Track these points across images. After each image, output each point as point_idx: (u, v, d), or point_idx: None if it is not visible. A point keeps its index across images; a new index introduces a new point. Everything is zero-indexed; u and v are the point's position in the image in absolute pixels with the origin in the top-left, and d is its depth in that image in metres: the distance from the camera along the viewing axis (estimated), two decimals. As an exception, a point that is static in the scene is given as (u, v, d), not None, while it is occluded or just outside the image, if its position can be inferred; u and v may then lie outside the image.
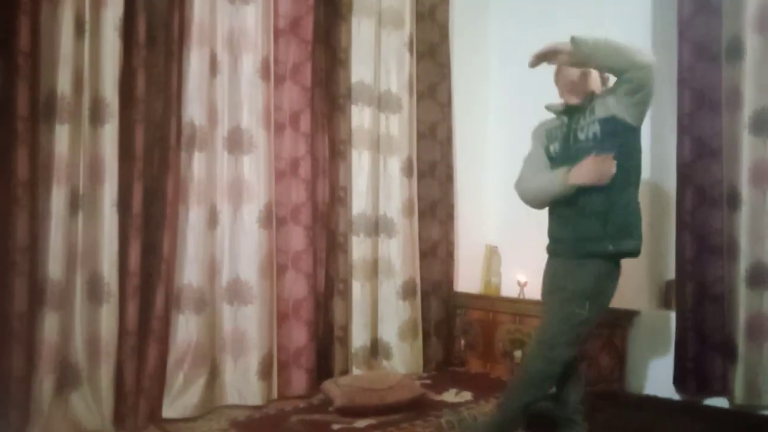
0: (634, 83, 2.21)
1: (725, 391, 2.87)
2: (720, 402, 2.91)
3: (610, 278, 2.33)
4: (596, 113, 2.31)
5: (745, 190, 2.82)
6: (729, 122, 2.89)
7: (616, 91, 2.28)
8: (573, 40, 2.18)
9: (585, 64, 2.27)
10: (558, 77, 2.46)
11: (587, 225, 2.30)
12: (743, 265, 2.82)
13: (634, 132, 2.32)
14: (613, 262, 2.32)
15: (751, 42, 2.80)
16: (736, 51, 2.86)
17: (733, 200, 2.86)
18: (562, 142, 2.41)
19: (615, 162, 2.24)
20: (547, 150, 2.49)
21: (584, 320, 2.27)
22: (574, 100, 2.40)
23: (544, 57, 2.28)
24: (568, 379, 2.41)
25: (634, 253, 2.35)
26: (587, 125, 2.33)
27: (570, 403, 2.43)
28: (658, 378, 3.10)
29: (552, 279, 2.45)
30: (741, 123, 2.84)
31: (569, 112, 2.42)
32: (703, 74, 2.95)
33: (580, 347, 2.36)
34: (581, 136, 2.34)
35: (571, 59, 2.23)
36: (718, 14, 2.92)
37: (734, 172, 2.86)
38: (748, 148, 2.82)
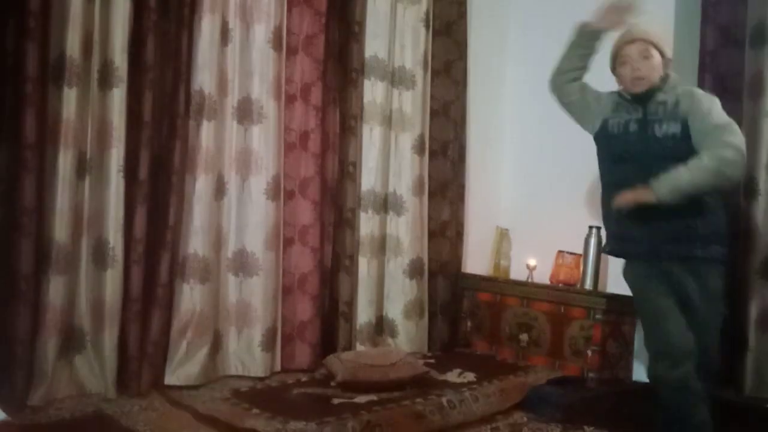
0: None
1: (734, 381, 2.83)
2: (728, 393, 2.87)
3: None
4: (680, 109, 2.20)
5: (763, 179, 2.77)
6: (750, 110, 2.83)
7: (707, 124, 2.17)
8: (657, 195, 2.12)
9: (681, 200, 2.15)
10: (616, 65, 2.33)
11: (680, 225, 2.21)
12: (758, 256, 2.77)
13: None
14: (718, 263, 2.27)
15: (776, 26, 2.72)
16: (760, 36, 2.78)
17: (750, 189, 2.80)
18: (639, 127, 2.27)
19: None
20: (605, 120, 2.35)
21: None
22: (640, 89, 2.27)
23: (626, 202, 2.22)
24: None
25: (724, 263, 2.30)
26: (668, 121, 2.22)
27: None
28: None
29: (644, 284, 2.33)
30: (762, 111, 2.77)
31: (641, 98, 2.28)
32: (725, 59, 2.89)
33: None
34: (663, 128, 2.22)
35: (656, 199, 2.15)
36: (744, -3, 2.85)
37: (753, 160, 2.79)
38: (767, 137, 2.75)
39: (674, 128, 2.20)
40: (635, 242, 2.30)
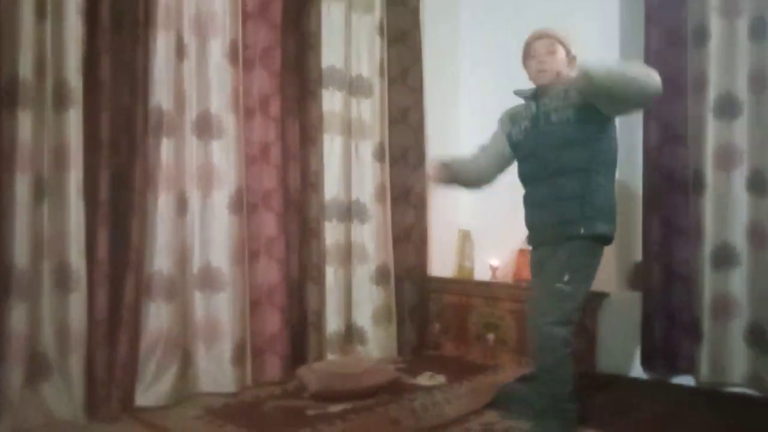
0: (634, 104, 2.27)
1: (691, 369, 2.95)
2: (686, 380, 2.99)
3: (587, 255, 2.32)
4: (570, 99, 2.32)
5: (710, 173, 2.89)
6: (694, 106, 2.95)
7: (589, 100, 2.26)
8: (587, 71, 2.11)
9: (591, 89, 2.17)
10: (526, 59, 2.48)
11: (564, 208, 2.31)
12: (708, 247, 2.89)
13: (608, 120, 2.34)
14: (589, 240, 2.31)
15: (715, 26, 2.85)
16: (701, 35, 2.91)
17: (698, 183, 2.92)
18: (531, 123, 2.42)
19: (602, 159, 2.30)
20: (509, 136, 2.51)
21: (567, 295, 2.26)
22: (543, 81, 2.41)
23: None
24: None
25: (608, 238, 2.36)
26: (562, 108, 2.33)
27: None
28: (627, 358, 3.17)
29: (534, 267, 2.48)
30: (706, 106, 2.89)
31: (537, 96, 2.44)
32: (670, 59, 3.00)
33: (573, 325, 2.32)
34: (554, 118, 2.35)
35: (580, 85, 2.19)
36: (684, -1, 2.97)
37: (699, 155, 2.92)
38: (712, 132, 2.88)
39: (566, 113, 2.32)
40: (538, 230, 2.45)
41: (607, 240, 2.37)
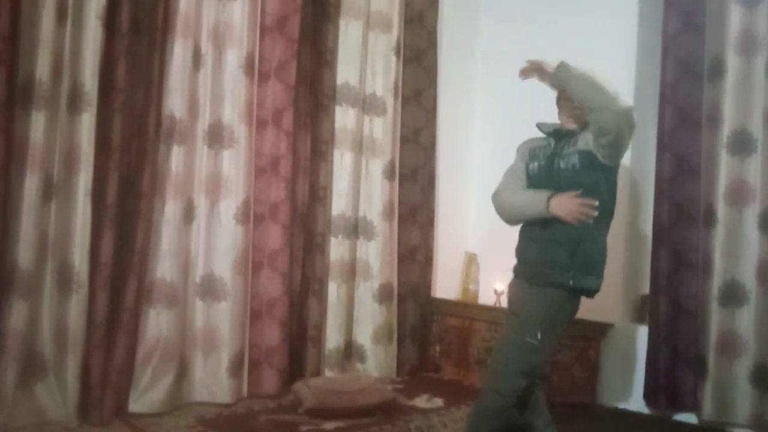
0: (600, 125, 2.21)
1: (695, 406, 2.90)
2: (689, 417, 2.93)
3: (565, 308, 2.29)
4: (578, 145, 2.31)
5: (721, 209, 2.86)
6: (708, 140, 2.93)
7: (590, 129, 2.29)
8: (559, 63, 2.24)
9: (559, 88, 2.32)
10: (560, 100, 2.42)
11: (554, 252, 2.26)
12: (716, 283, 2.85)
13: (608, 170, 2.31)
14: (571, 293, 2.28)
15: (732, 62, 2.84)
16: (717, 70, 2.90)
17: (708, 218, 2.89)
18: (546, 163, 2.38)
19: (596, 209, 2.23)
20: (526, 168, 2.47)
21: (534, 350, 2.23)
22: (570, 126, 2.37)
23: (530, 71, 2.35)
24: (529, 408, 2.36)
25: (592, 292, 2.32)
26: (569, 155, 2.32)
27: (537, 429, 2.38)
28: (629, 391, 3.12)
29: (511, 301, 2.44)
30: (720, 142, 2.87)
31: (558, 135, 2.40)
32: (685, 92, 2.99)
33: (535, 375, 2.31)
34: (562, 164, 2.33)
35: (550, 80, 2.28)
36: (702, 33, 2.97)
37: (711, 190, 2.89)
38: (725, 167, 2.86)
39: (573, 159, 2.30)
40: (524, 264, 2.39)
41: (590, 293, 2.33)
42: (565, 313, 2.30)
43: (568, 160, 2.32)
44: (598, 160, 2.27)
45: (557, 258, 2.25)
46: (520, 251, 2.42)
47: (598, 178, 2.28)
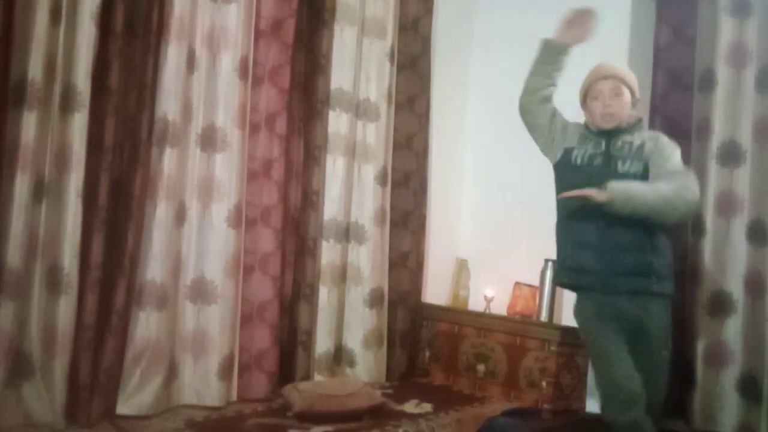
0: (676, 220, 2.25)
1: (682, 415, 2.91)
2: (677, 426, 2.95)
3: (668, 314, 2.32)
4: (645, 151, 2.26)
5: (710, 219, 2.88)
6: (698, 152, 2.96)
7: (665, 158, 2.26)
8: (611, 201, 2.13)
9: (624, 212, 2.17)
10: (587, 98, 2.37)
11: (629, 258, 2.22)
12: (705, 293, 2.87)
13: None
14: (664, 297, 2.30)
15: (722, 73, 2.87)
16: (708, 82, 2.93)
17: (698, 228, 2.92)
18: (603, 160, 2.30)
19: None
20: (568, 150, 2.36)
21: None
22: (609, 125, 2.31)
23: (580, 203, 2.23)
24: None
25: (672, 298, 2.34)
26: (633, 160, 2.26)
27: None
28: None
29: (598, 317, 2.30)
30: (709, 153, 2.90)
31: (607, 133, 2.33)
32: (675, 103, 3.03)
33: None
34: (623, 167, 2.26)
35: (608, 207, 2.17)
36: (693, 45, 3.00)
37: (701, 201, 2.90)
38: (714, 178, 2.88)
39: (636, 167, 2.25)
40: (589, 274, 2.29)
41: (670, 298, 2.32)
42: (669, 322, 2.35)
43: (630, 167, 2.25)
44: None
45: (635, 264, 2.24)
46: (575, 259, 2.33)
47: None
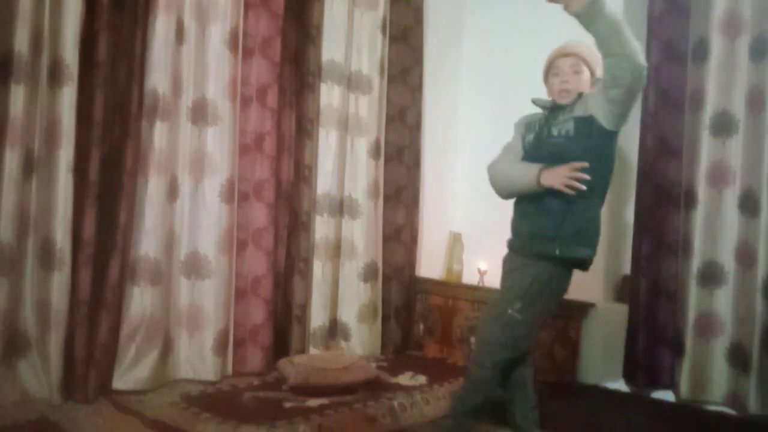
0: (616, 72, 2.11)
1: (672, 385, 2.95)
2: (666, 395, 2.99)
3: (551, 282, 2.26)
4: (575, 111, 2.28)
5: (702, 190, 2.88)
6: (691, 122, 2.95)
7: (597, 85, 2.26)
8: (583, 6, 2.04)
9: (582, 20, 2.08)
10: (548, 74, 2.40)
11: (542, 223, 2.25)
12: (696, 264, 2.88)
13: (608, 137, 2.25)
14: (561, 266, 2.27)
15: (716, 43, 2.84)
16: (702, 52, 2.90)
17: (689, 199, 2.92)
18: (537, 134, 2.37)
19: (588, 173, 2.17)
20: (522, 141, 2.44)
21: (516, 323, 2.22)
22: (564, 100, 2.34)
23: None
24: (515, 387, 2.39)
25: (583, 263, 2.30)
26: (563, 122, 2.29)
27: (517, 414, 2.39)
28: (609, 370, 3.17)
29: (505, 273, 2.43)
30: (702, 123, 2.89)
31: (553, 108, 2.37)
32: (669, 74, 3.00)
33: (518, 350, 2.30)
34: (554, 131, 2.30)
35: (576, 9, 2.06)
36: (687, 14, 2.97)
37: (692, 171, 2.91)
38: (707, 149, 2.87)
39: (567, 126, 2.27)
40: (516, 237, 2.40)
41: (582, 264, 2.31)
42: (551, 287, 2.28)
43: (561, 127, 2.28)
44: (597, 126, 2.21)
45: (544, 229, 2.24)
46: (514, 225, 2.41)
47: (592, 145, 2.22)
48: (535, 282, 2.25)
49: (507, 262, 2.43)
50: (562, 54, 2.38)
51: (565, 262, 2.27)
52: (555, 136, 2.30)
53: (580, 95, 2.34)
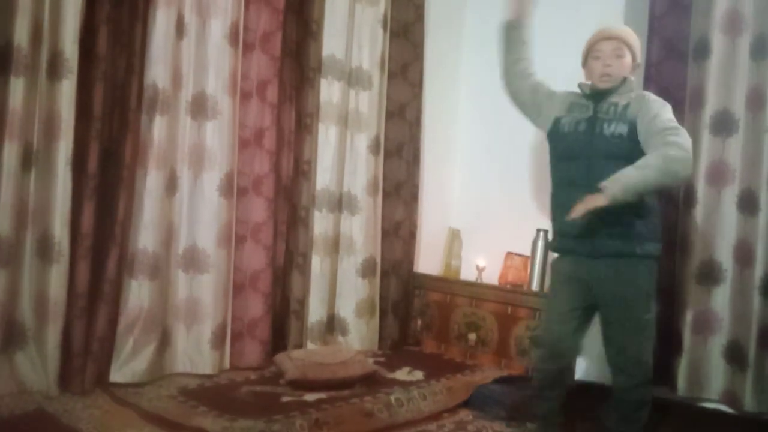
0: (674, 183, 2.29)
1: (668, 381, 2.95)
2: (663, 392, 2.99)
3: (652, 275, 2.31)
4: (629, 111, 2.23)
5: (701, 189, 2.88)
6: (691, 121, 2.94)
7: (654, 126, 2.18)
8: (605, 186, 2.08)
9: (634, 198, 2.13)
10: (588, 58, 2.35)
11: (611, 222, 2.18)
12: (694, 262, 2.88)
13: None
14: (648, 258, 2.29)
15: (717, 42, 2.84)
16: (703, 50, 2.90)
17: (688, 198, 2.92)
18: (587, 125, 2.28)
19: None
20: (557, 120, 2.35)
21: (652, 324, 2.29)
22: (606, 85, 2.30)
23: (582, 211, 2.14)
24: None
25: (658, 258, 2.33)
26: (617, 122, 2.24)
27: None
28: (606, 365, 3.17)
29: (568, 278, 2.33)
30: (702, 122, 2.88)
31: (595, 96, 2.32)
32: (670, 72, 2.99)
33: None
34: (608, 129, 2.23)
35: (611, 201, 2.09)
36: (688, 13, 2.96)
37: (692, 170, 2.91)
38: (706, 148, 2.87)
39: (621, 128, 2.22)
40: (575, 239, 2.29)
41: (657, 260, 2.31)
42: (653, 283, 2.35)
43: (615, 129, 2.23)
44: (636, 133, 2.21)
45: (614, 227, 2.22)
46: (562, 225, 2.31)
47: (639, 149, 2.20)
48: (645, 280, 2.28)
49: (567, 267, 2.36)
50: (605, 37, 2.33)
51: (648, 258, 2.28)
52: (608, 135, 2.23)
53: (624, 80, 2.30)
